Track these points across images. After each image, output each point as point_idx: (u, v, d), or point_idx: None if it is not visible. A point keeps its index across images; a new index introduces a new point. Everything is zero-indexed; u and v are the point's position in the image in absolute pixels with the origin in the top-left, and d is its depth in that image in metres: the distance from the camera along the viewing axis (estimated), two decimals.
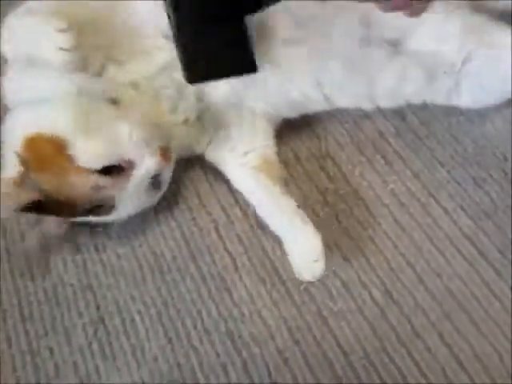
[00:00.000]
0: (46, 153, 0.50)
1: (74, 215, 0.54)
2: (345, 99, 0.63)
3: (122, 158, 0.51)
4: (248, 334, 0.53)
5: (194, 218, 0.60)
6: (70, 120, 0.51)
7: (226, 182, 0.62)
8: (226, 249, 0.58)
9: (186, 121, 0.58)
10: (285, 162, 0.63)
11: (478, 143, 0.63)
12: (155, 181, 0.54)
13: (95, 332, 0.54)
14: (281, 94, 0.60)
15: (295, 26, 0.58)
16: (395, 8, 0.46)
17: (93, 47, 0.54)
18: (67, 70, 0.52)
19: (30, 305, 0.56)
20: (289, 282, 0.55)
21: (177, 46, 0.47)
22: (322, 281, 0.55)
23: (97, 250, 0.59)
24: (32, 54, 0.52)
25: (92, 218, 0.55)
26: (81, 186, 0.51)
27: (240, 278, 0.56)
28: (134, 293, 0.56)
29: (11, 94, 0.56)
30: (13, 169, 0.51)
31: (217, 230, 0.59)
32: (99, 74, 0.55)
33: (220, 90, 0.58)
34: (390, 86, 0.61)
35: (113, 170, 0.51)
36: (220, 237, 0.59)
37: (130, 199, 0.53)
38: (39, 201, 0.51)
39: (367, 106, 0.64)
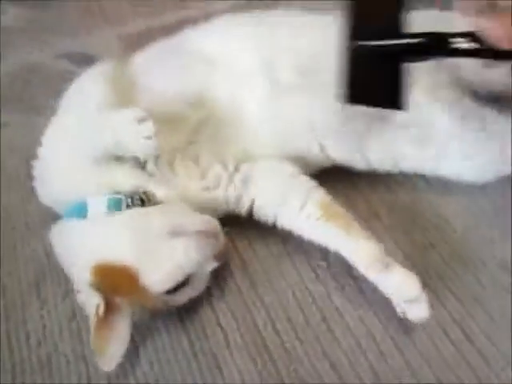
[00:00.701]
0: (119, 281, 0.53)
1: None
2: (339, 152, 0.65)
3: (185, 275, 0.55)
4: None
5: None
6: (135, 250, 0.54)
7: None
8: (218, 323, 0.59)
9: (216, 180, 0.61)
10: (280, 235, 0.65)
11: (467, 225, 0.65)
12: None
13: None
14: (283, 143, 0.63)
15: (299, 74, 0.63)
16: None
17: None
18: (151, 157, 0.56)
19: (23, 373, 0.57)
20: (279, 362, 0.56)
21: (345, 68, 0.54)
22: (311, 362, 0.56)
23: None
24: (114, 146, 0.54)
25: None
26: (155, 302, 0.55)
27: (231, 355, 0.57)
28: (126, 366, 0.57)
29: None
30: (92, 299, 0.53)
31: (210, 303, 0.61)
32: None
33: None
34: (380, 148, 0.64)
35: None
36: (213, 311, 0.60)
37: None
38: None
39: (360, 163, 0.65)
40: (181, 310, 0.60)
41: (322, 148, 0.65)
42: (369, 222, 0.63)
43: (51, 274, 0.65)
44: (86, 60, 0.89)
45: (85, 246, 0.55)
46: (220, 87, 0.63)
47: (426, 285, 0.60)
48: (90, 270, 0.53)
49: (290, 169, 0.63)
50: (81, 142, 0.57)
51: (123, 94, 0.61)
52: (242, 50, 0.64)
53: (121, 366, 0.56)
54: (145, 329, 0.59)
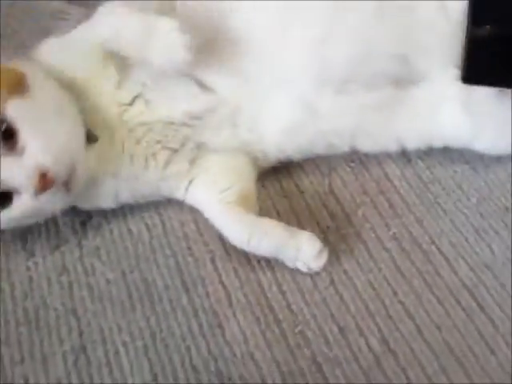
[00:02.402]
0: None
1: None
2: (370, 146, 0.62)
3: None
4: (238, 376, 0.50)
5: (189, 248, 0.58)
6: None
7: None
8: (221, 282, 0.56)
9: (177, 173, 0.57)
10: (287, 196, 0.62)
11: (482, 193, 0.63)
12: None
13: (75, 361, 0.51)
14: (307, 145, 0.60)
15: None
16: None
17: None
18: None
19: (7, 324, 0.53)
20: (284, 323, 0.53)
21: (465, 45, 0.55)
22: (318, 325, 0.53)
23: (85, 272, 0.56)
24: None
25: None
26: None
27: (234, 314, 0.54)
28: (121, 322, 0.53)
29: None
30: None
31: (213, 261, 0.57)
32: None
33: (221, 138, 0.57)
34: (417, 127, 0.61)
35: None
36: (216, 269, 0.57)
37: None
38: None
39: (393, 148, 0.63)
40: (179, 264, 0.57)
41: (352, 147, 0.62)
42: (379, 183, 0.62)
43: (39, 226, 0.60)
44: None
45: None
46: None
47: (438, 250, 0.59)
48: None
49: (242, 160, 0.59)
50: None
51: None
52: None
53: (114, 319, 0.53)
54: (139, 280, 0.55)
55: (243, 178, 0.59)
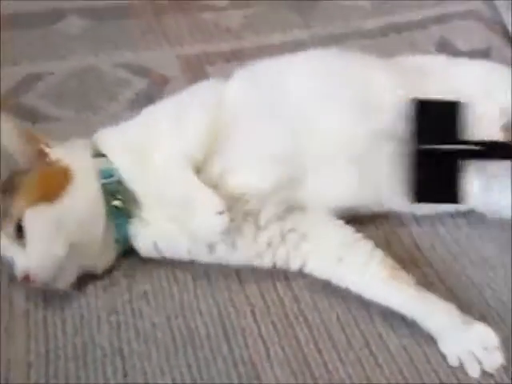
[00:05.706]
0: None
1: None
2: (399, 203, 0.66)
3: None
4: None
5: (231, 299, 0.61)
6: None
7: None
8: (260, 334, 0.58)
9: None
10: None
11: (505, 262, 0.65)
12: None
13: None
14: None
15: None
16: None
17: None
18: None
19: (56, 359, 0.55)
20: (320, 380, 0.55)
21: (410, 170, 0.61)
22: None
23: (133, 314, 0.59)
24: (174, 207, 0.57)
25: None
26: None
27: (271, 367, 0.55)
28: (164, 366, 0.55)
29: None
30: None
31: (253, 313, 0.60)
32: None
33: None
34: None
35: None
36: (255, 321, 0.59)
37: None
38: None
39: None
40: (221, 314, 0.60)
41: (387, 201, 0.66)
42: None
43: None
44: (144, 72, 0.92)
45: None
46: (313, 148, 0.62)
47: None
48: None
49: (348, 229, 0.62)
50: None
51: (219, 133, 0.60)
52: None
53: (158, 363, 0.55)
54: (183, 326, 0.58)
55: (363, 245, 0.61)
